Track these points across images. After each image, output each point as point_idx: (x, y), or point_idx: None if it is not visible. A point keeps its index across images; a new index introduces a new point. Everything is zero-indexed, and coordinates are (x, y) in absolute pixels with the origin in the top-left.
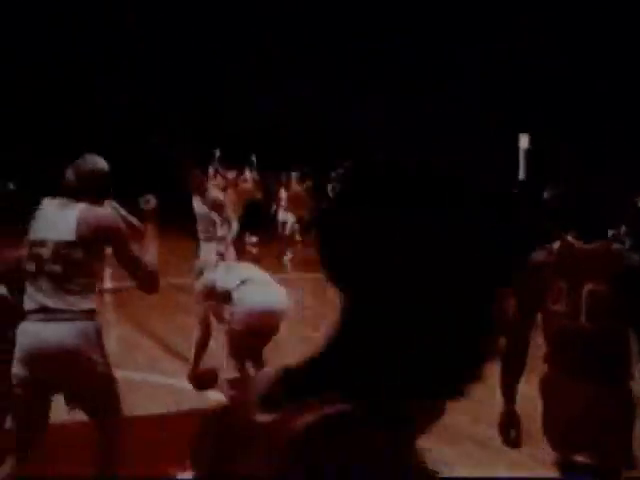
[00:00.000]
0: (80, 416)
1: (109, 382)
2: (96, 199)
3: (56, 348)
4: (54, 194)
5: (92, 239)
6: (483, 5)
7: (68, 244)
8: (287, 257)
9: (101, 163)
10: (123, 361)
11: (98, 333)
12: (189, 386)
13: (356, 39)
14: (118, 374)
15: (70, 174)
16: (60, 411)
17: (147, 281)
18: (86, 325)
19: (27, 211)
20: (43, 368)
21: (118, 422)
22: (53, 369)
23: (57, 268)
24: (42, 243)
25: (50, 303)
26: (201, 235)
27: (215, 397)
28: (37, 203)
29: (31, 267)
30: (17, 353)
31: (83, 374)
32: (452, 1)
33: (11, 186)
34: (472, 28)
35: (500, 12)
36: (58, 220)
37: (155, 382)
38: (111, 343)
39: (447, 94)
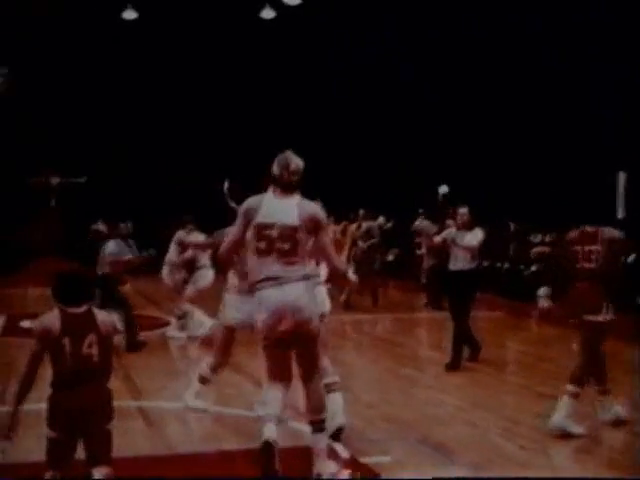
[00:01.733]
0: None
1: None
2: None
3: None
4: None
5: (309, 224)
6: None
7: (293, 228)
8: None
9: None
10: (215, 396)
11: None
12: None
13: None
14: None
15: (282, 169)
16: None
17: (339, 268)
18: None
19: None
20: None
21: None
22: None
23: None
24: (271, 226)
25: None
26: None
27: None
28: None
29: (261, 245)
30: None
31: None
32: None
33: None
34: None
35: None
36: (282, 208)
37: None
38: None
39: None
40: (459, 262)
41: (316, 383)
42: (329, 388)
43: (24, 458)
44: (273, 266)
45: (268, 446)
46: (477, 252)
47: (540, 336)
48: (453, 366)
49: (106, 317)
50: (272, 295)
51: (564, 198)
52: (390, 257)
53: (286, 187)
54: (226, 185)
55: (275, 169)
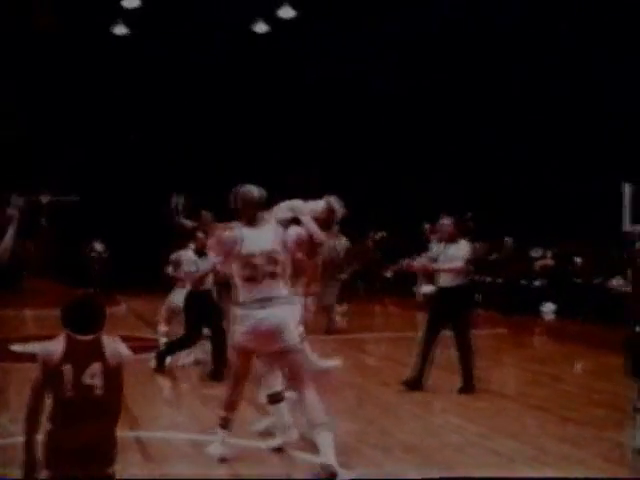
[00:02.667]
0: None
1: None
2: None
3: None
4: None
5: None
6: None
7: (275, 251)
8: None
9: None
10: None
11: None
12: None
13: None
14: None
15: (248, 204)
16: None
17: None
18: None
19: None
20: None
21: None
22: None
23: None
24: (254, 255)
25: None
26: None
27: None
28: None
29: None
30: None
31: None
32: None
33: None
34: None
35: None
36: (261, 236)
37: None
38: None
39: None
40: (446, 278)
41: (308, 394)
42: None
43: None
44: (262, 289)
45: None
46: (466, 267)
47: (548, 353)
48: (466, 389)
49: (116, 348)
50: (260, 315)
51: (565, 212)
52: (388, 274)
53: (258, 218)
54: (176, 201)
55: (241, 203)
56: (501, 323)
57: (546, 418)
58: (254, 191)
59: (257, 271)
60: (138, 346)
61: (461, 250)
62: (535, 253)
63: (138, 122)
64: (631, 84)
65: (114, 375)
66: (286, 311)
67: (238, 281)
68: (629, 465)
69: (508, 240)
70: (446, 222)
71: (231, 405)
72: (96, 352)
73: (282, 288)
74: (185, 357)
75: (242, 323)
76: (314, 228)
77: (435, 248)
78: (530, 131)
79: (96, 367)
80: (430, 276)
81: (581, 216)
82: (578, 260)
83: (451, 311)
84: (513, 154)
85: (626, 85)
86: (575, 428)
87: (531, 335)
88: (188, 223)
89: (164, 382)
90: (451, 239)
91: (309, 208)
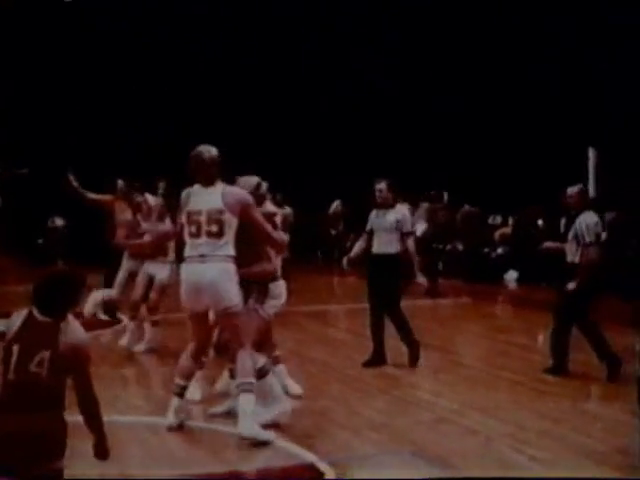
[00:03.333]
0: None
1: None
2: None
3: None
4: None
5: (235, 207)
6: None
7: (219, 211)
8: None
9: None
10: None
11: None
12: None
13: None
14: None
15: (196, 164)
16: None
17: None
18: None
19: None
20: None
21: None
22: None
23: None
24: (198, 212)
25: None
26: None
27: None
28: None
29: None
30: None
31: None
32: None
33: None
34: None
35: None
36: (208, 196)
37: None
38: None
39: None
40: (382, 245)
41: (241, 353)
42: (261, 372)
43: None
44: (201, 246)
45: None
46: (401, 233)
47: (515, 322)
48: (413, 361)
49: (74, 336)
50: (193, 271)
51: (529, 176)
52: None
53: (206, 179)
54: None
55: (193, 164)
56: (464, 292)
57: (519, 391)
58: (204, 151)
59: (199, 228)
60: (95, 323)
61: (396, 215)
62: (493, 220)
63: (90, 88)
64: (599, 47)
65: (64, 364)
66: (221, 269)
67: (185, 238)
68: (612, 440)
69: (444, 195)
70: (380, 186)
71: (185, 373)
72: (50, 338)
73: (223, 247)
74: (139, 344)
75: (183, 280)
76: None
77: (372, 215)
78: (493, 94)
79: (45, 355)
80: None
81: (545, 180)
82: (540, 224)
83: (384, 279)
84: (476, 119)
85: (594, 50)
86: (551, 401)
87: (496, 304)
88: (91, 195)
89: (121, 362)
90: (388, 204)
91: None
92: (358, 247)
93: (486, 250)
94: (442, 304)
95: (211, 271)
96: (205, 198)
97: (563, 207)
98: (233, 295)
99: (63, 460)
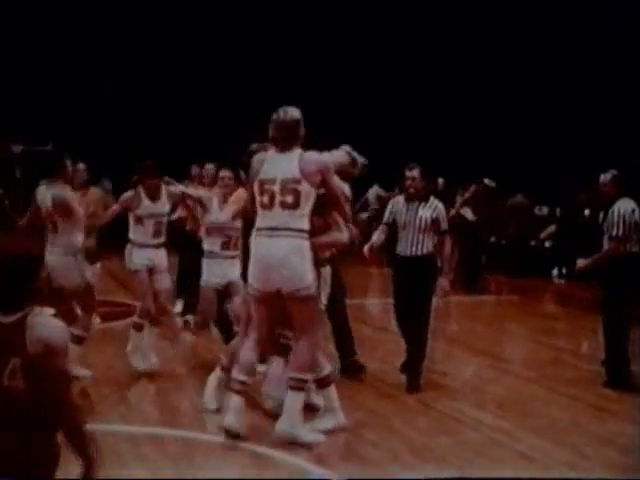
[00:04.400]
0: None
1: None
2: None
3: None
4: None
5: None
6: None
7: (295, 180)
8: None
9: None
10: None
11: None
12: None
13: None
14: None
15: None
16: None
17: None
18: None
19: None
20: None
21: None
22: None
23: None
24: (272, 181)
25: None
26: None
27: None
28: None
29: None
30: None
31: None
32: None
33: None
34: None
35: None
36: (282, 163)
37: None
38: None
39: None
40: (413, 245)
41: (302, 344)
42: (324, 382)
43: None
44: (273, 218)
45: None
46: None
47: (566, 323)
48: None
49: (43, 331)
50: (263, 246)
51: (572, 164)
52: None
53: (283, 143)
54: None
55: (271, 126)
56: (509, 288)
57: (577, 408)
58: (281, 112)
59: (272, 199)
60: (111, 312)
61: (434, 211)
62: (540, 211)
63: (115, 68)
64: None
65: (40, 370)
66: (295, 245)
67: (257, 208)
68: None
69: (519, 196)
70: (411, 173)
71: (247, 367)
72: (16, 341)
73: (297, 220)
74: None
75: (252, 256)
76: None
77: (398, 205)
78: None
79: (16, 363)
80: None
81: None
82: (587, 213)
83: (416, 284)
84: (523, 104)
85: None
86: (614, 423)
87: (543, 302)
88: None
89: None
90: (420, 196)
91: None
92: (377, 239)
93: (533, 243)
94: (485, 301)
95: (283, 246)
96: (280, 165)
97: (599, 197)
98: (307, 275)
99: None
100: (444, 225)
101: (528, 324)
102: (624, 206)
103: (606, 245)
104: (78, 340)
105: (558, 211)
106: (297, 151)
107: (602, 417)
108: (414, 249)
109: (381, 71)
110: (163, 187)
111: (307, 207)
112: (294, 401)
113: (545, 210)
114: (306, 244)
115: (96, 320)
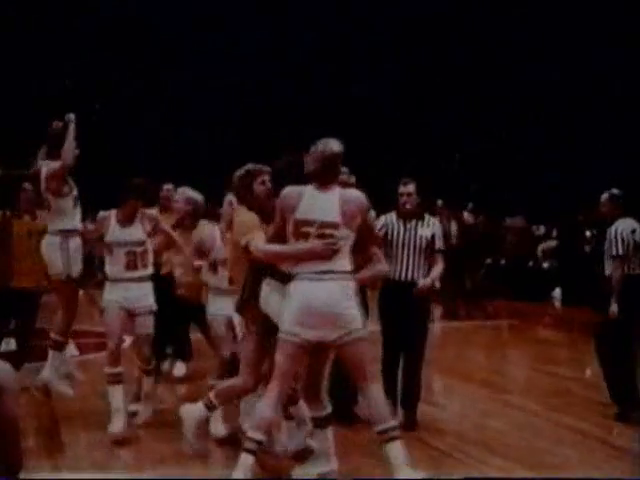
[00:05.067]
0: None
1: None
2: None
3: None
4: None
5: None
6: None
7: (333, 225)
8: None
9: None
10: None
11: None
12: None
13: None
14: None
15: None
16: None
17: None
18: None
19: None
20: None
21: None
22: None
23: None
24: (310, 223)
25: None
26: None
27: None
28: None
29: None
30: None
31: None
32: None
33: None
34: None
35: None
36: (322, 203)
37: None
38: None
39: None
40: (411, 269)
41: (371, 389)
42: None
43: None
44: (314, 263)
45: None
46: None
47: (570, 350)
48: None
49: None
50: (305, 290)
51: (566, 185)
52: None
53: (326, 180)
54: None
55: (310, 158)
56: (507, 312)
57: (588, 446)
58: (320, 144)
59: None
60: (90, 343)
61: (430, 230)
62: (537, 231)
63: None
64: None
65: None
66: (340, 287)
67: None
68: None
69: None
70: (406, 189)
71: (265, 425)
72: None
73: (339, 262)
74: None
75: (292, 302)
76: None
77: (391, 225)
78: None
79: None
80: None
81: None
82: (588, 235)
83: (414, 313)
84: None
85: None
86: (629, 461)
87: (544, 326)
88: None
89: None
90: (415, 214)
91: None
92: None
93: (530, 264)
94: (483, 326)
95: (328, 290)
96: (320, 205)
97: (598, 218)
98: (357, 317)
99: None
100: (439, 244)
101: (529, 350)
102: (622, 226)
103: (608, 267)
104: (56, 345)
105: (555, 232)
106: (336, 190)
107: (614, 455)
108: (414, 274)
109: (376, 95)
110: (140, 211)
111: (347, 248)
112: (400, 450)
113: (542, 229)
114: (352, 284)
115: (73, 351)
